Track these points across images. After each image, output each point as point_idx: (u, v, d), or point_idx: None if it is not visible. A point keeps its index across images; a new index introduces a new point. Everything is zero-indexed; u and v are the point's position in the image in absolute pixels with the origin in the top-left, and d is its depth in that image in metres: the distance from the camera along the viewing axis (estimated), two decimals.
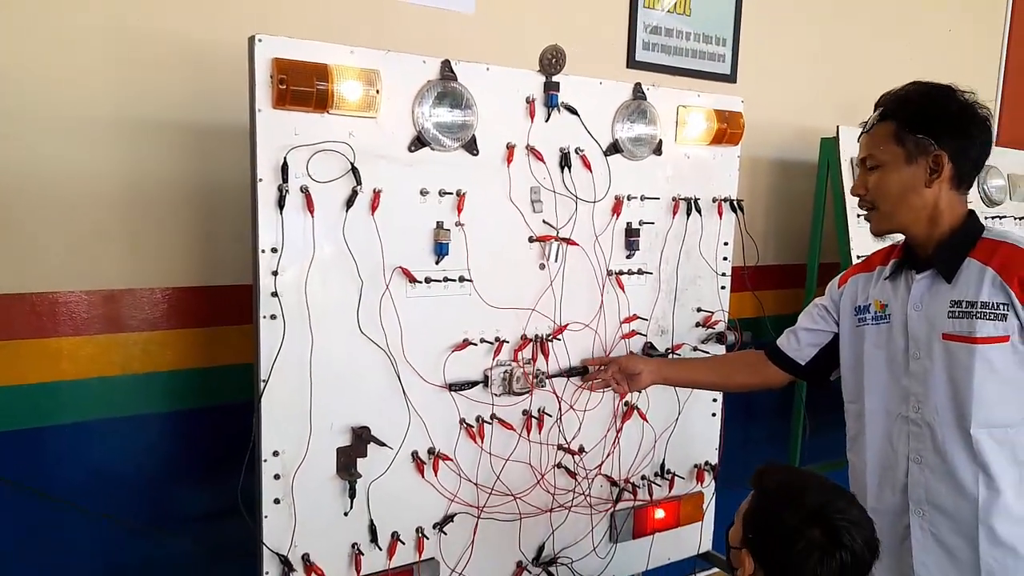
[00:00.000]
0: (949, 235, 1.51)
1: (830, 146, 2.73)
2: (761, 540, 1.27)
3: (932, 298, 1.53)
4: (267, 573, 1.68)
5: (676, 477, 2.27)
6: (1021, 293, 1.42)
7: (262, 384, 1.62)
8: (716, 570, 2.62)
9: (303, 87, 1.56)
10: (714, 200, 2.24)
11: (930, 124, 1.47)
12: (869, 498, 1.63)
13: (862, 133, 1.58)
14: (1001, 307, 1.43)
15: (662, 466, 2.25)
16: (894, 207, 1.52)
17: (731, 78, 2.98)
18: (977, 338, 1.45)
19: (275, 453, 1.66)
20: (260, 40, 1.55)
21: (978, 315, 1.45)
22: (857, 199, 1.59)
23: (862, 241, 2.68)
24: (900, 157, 1.49)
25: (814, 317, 1.79)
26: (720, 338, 2.28)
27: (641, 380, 1.94)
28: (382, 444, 1.76)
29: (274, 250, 1.61)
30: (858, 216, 2.69)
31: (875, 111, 1.56)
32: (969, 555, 1.51)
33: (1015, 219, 3.23)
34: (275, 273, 1.61)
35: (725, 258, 2.29)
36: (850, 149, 2.69)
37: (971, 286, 1.47)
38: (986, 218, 3.10)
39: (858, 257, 2.67)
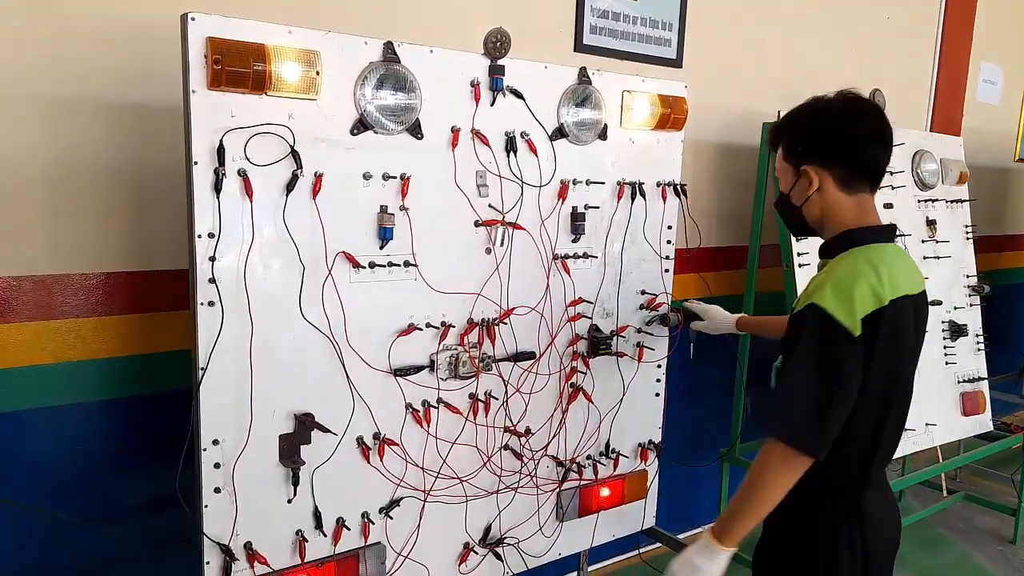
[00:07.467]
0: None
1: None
2: (815, 150, 1.54)
3: None
4: (208, 563, 1.66)
5: (620, 456, 2.32)
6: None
7: (200, 372, 1.59)
8: (659, 545, 2.69)
9: (239, 68, 1.52)
10: (658, 184, 2.27)
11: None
12: None
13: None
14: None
15: (607, 446, 2.29)
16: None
17: (677, 63, 3.00)
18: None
19: (215, 442, 1.63)
20: (194, 19, 1.50)
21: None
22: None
23: None
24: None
25: None
26: (663, 320, 2.33)
27: None
28: (326, 430, 1.75)
29: (211, 235, 1.57)
30: None
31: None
32: None
33: (947, 202, 3.34)
34: (212, 259, 1.58)
35: (669, 241, 2.33)
36: None
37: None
38: (919, 201, 3.23)
39: (796, 239, 2.74)
